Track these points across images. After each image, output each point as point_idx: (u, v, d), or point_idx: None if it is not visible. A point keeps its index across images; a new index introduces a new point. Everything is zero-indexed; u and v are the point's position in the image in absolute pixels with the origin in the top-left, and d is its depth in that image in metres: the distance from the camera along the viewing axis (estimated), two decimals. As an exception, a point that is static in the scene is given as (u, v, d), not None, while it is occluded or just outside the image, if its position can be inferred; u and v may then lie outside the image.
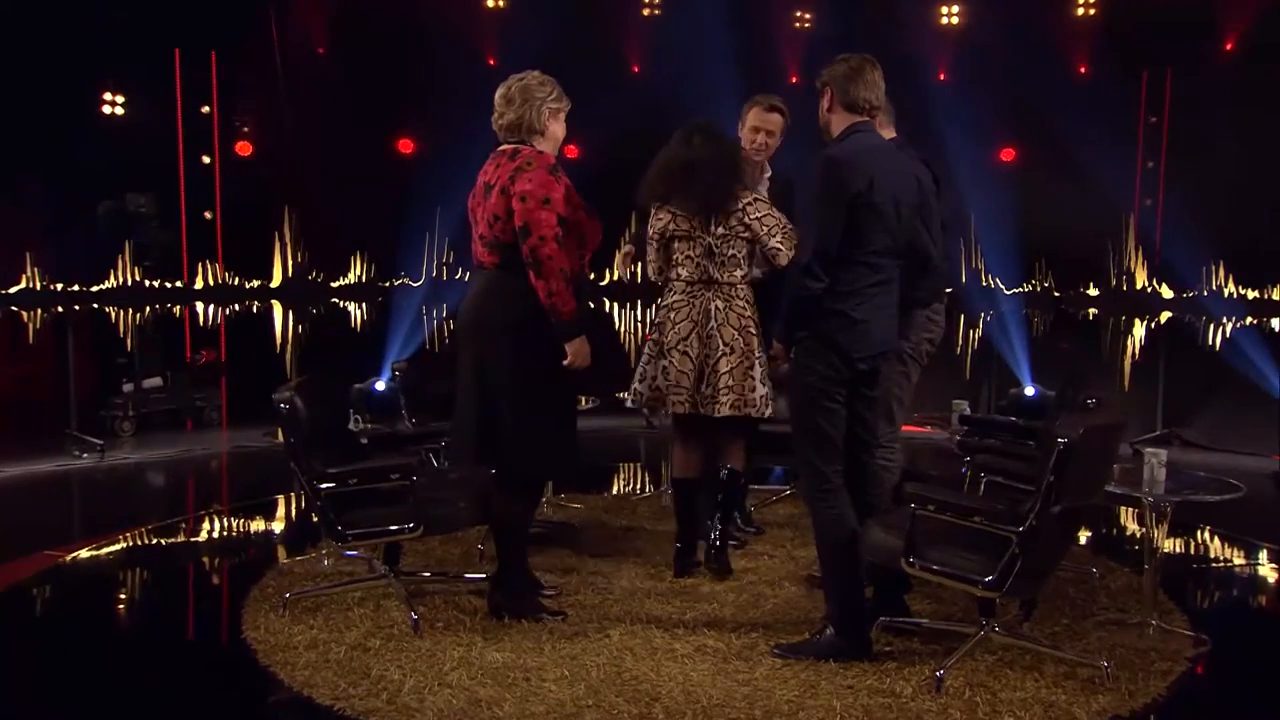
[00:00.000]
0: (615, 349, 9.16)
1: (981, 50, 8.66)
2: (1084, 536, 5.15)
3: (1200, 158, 7.84)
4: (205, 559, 5.23)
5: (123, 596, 4.73)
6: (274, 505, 6.01)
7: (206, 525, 5.73)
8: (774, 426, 4.86)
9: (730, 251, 4.29)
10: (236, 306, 9.25)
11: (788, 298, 3.63)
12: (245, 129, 9.14)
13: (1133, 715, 3.29)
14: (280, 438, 4.19)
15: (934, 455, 6.86)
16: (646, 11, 9.34)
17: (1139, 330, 8.75)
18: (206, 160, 9.00)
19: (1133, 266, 8.70)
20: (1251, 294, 7.99)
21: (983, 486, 4.37)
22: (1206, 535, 5.45)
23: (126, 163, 7.97)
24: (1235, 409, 7.72)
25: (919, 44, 8.87)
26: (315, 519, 4.11)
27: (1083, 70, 8.79)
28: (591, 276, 8.89)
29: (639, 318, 9.64)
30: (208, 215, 9.04)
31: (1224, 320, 8.07)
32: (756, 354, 4.28)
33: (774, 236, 4.25)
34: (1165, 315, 8.54)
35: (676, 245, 4.33)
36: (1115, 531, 5.64)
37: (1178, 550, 5.20)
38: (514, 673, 3.47)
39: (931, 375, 4.51)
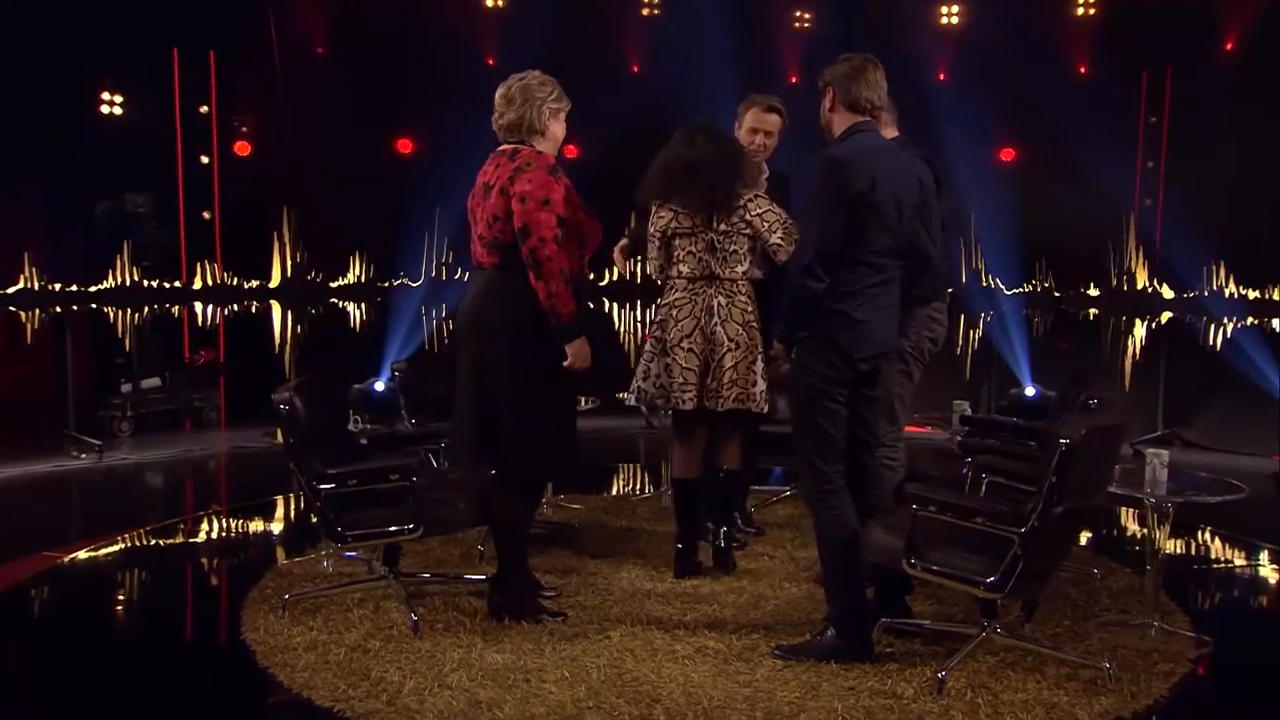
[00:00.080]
0: (615, 349, 9.15)
1: (981, 50, 8.67)
2: (1085, 537, 5.14)
3: (1200, 158, 7.84)
4: (204, 560, 5.21)
5: (121, 598, 4.71)
6: (273, 506, 6.00)
7: (205, 526, 5.72)
8: (774, 427, 4.87)
9: (732, 247, 4.29)
10: (235, 307, 9.25)
11: (788, 298, 3.62)
12: (244, 129, 9.13)
13: (1135, 717, 3.28)
14: (279, 438, 4.18)
15: (934, 456, 6.85)
16: (646, 11, 9.35)
17: (1139, 330, 8.75)
18: (205, 160, 8.99)
19: (1133, 266, 8.71)
20: (1252, 294, 7.99)
21: (984, 487, 4.36)
22: (1207, 536, 5.44)
23: (125, 163, 7.95)
24: (1236, 409, 7.72)
25: (919, 44, 8.87)
26: (314, 520, 4.10)
27: (1083, 70, 8.80)
28: (591, 277, 8.88)
29: (638, 318, 9.63)
30: (206, 215, 9.03)
31: (1224, 320, 8.06)
32: (759, 349, 4.28)
33: (774, 233, 4.25)
34: (1166, 315, 8.54)
35: (678, 242, 4.33)
36: (1116, 532, 5.63)
37: (1179, 551, 5.20)
38: (514, 674, 3.46)
39: (932, 375, 4.51)
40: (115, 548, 5.18)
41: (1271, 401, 7.51)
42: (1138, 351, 8.69)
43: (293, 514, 5.84)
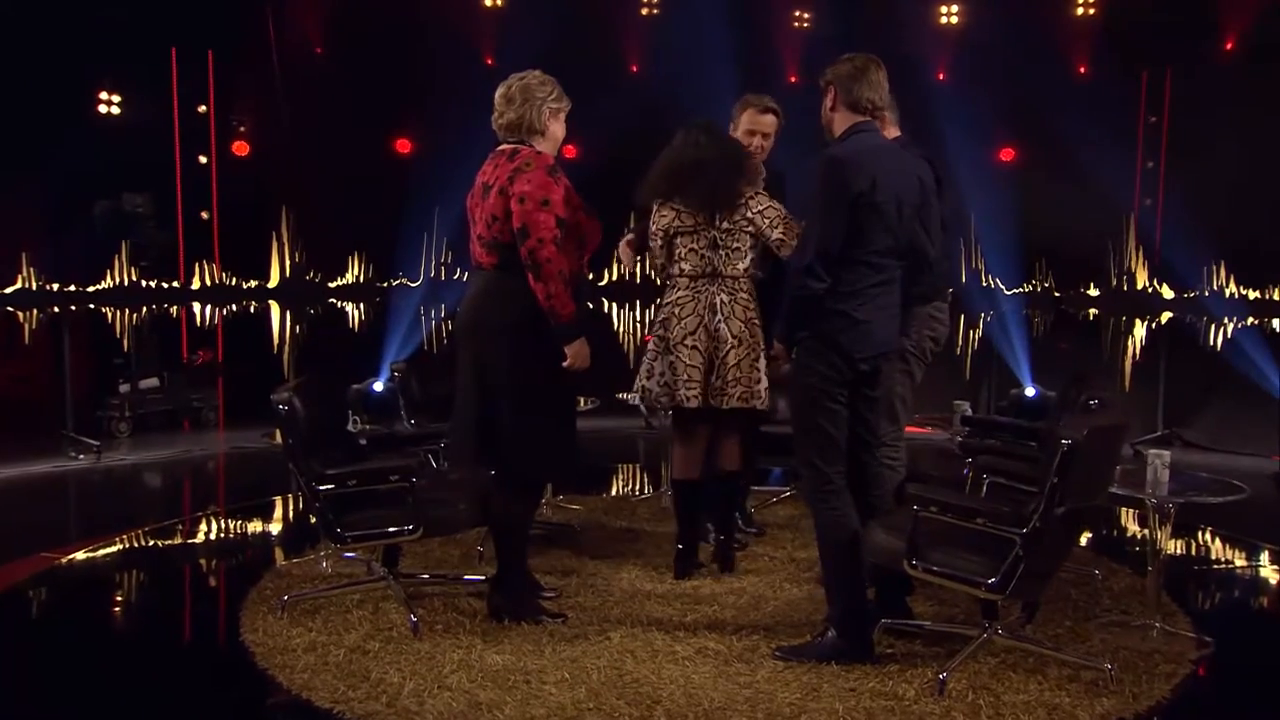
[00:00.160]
0: (614, 349, 9.15)
1: (981, 50, 8.67)
2: (1085, 538, 5.13)
3: (1200, 158, 7.84)
4: (203, 561, 5.20)
5: (120, 599, 4.70)
6: (272, 507, 5.99)
7: (204, 527, 5.70)
8: (775, 427, 4.86)
9: (734, 244, 4.29)
10: (234, 307, 9.24)
11: (788, 298, 3.61)
12: (242, 129, 9.13)
13: (1137, 718, 3.27)
14: (278, 439, 4.17)
15: (935, 456, 6.84)
16: (645, 11, 9.35)
17: (1139, 330, 8.74)
18: (203, 160, 8.99)
19: (1133, 267, 8.71)
20: (1252, 294, 7.99)
21: (985, 488, 4.35)
22: (1207, 536, 5.43)
23: (123, 162, 7.94)
24: (1236, 409, 7.71)
25: (918, 43, 8.88)
26: (314, 520, 4.08)
27: (1082, 70, 8.80)
28: (590, 277, 8.87)
29: (638, 318, 9.63)
30: (204, 215, 9.02)
31: (1225, 320, 8.06)
32: (761, 346, 4.28)
33: (776, 229, 4.25)
34: (1166, 315, 8.53)
35: (680, 240, 4.33)
36: (1116, 533, 5.62)
37: (1179, 552, 5.19)
38: (514, 675, 3.45)
39: (932, 375, 4.50)
40: (114, 549, 5.17)
41: (1271, 401, 7.50)
42: (1138, 351, 8.69)
43: (292, 515, 5.82)
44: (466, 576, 4.42)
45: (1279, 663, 3.95)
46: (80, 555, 5.01)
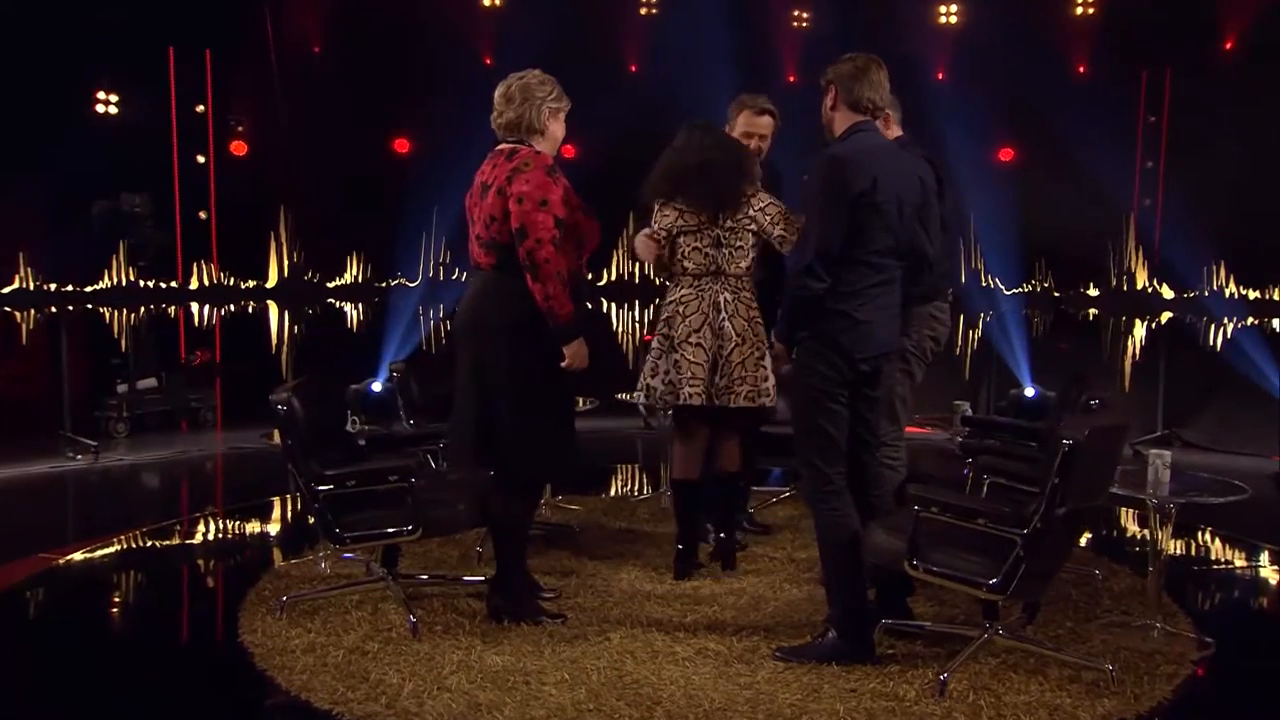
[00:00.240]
0: (613, 349, 9.14)
1: (980, 49, 8.67)
2: (1085, 538, 5.12)
3: (1200, 157, 7.83)
4: (201, 562, 5.18)
5: (117, 599, 4.69)
6: (270, 507, 5.97)
7: (202, 527, 5.69)
8: (775, 428, 4.85)
9: (738, 243, 4.30)
10: (232, 307, 9.22)
11: (788, 298, 3.61)
12: (240, 128, 9.11)
13: (1138, 718, 3.26)
14: (276, 439, 4.16)
15: (935, 456, 6.83)
16: (644, 11, 9.34)
17: (1139, 330, 8.74)
18: (201, 160, 8.97)
19: (1133, 267, 8.70)
20: (1252, 294, 7.98)
21: (985, 488, 4.34)
22: (1207, 536, 5.43)
23: (121, 162, 7.92)
24: (1236, 409, 7.71)
25: (917, 43, 8.87)
26: (312, 521, 4.07)
27: (1082, 70, 8.80)
28: (589, 277, 8.87)
29: (637, 317, 9.62)
30: (203, 215, 9.00)
31: (1225, 320, 8.05)
32: (765, 344, 4.28)
33: (777, 226, 4.27)
34: (1166, 315, 8.53)
35: (683, 239, 4.33)
36: (1115, 533, 5.62)
37: (1179, 552, 5.18)
38: (514, 676, 3.44)
39: (932, 376, 4.50)
40: (111, 549, 5.15)
41: (1271, 401, 7.50)
42: (1137, 351, 8.68)
43: (290, 515, 5.81)
44: (466, 577, 4.41)
45: (1280, 663, 3.95)
46: (78, 556, 4.99)
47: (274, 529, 5.67)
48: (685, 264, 4.32)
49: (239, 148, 9.08)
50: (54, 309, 8.11)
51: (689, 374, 4.24)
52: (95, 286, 8.30)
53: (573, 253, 3.84)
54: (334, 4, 9.13)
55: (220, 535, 5.56)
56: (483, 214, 3.80)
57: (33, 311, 8.15)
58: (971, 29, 8.94)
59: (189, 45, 8.65)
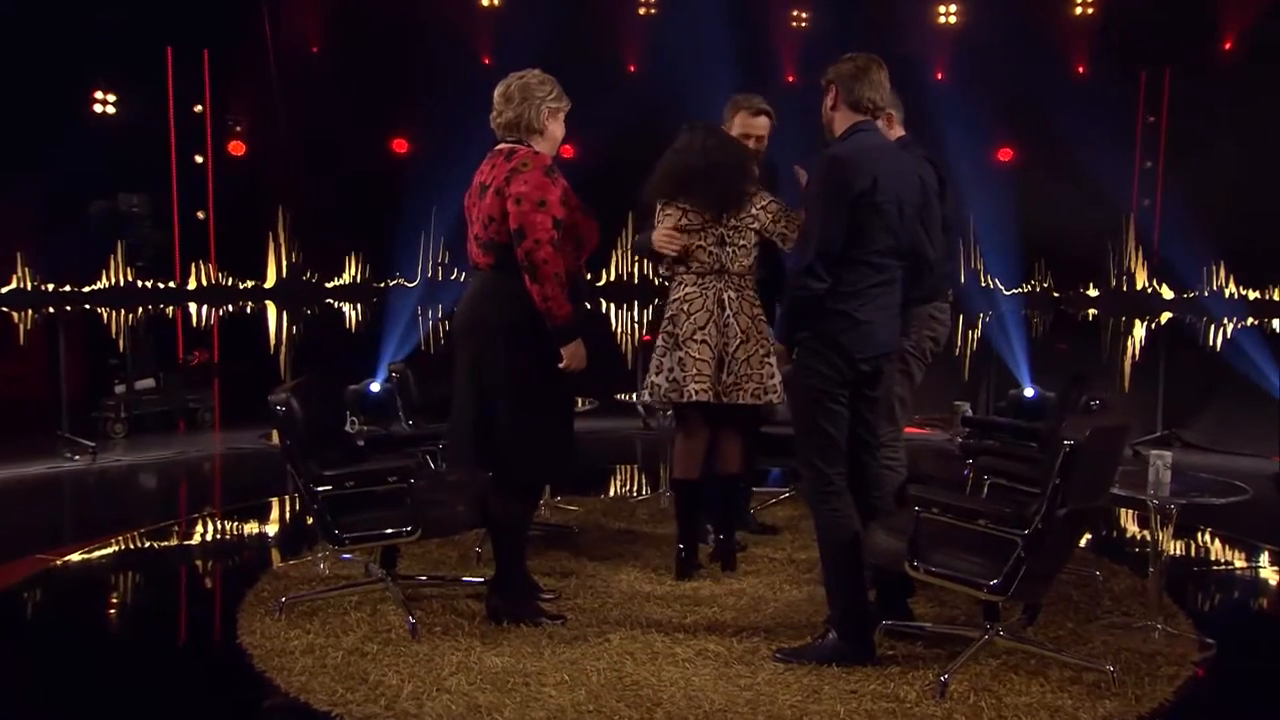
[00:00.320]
0: (612, 350, 9.13)
1: (979, 49, 8.66)
2: (1085, 539, 5.11)
3: (1199, 157, 7.83)
4: (199, 563, 5.17)
5: (115, 601, 4.67)
6: (268, 508, 5.96)
7: (200, 528, 5.67)
8: (775, 428, 4.84)
9: (741, 241, 4.31)
10: (230, 307, 9.20)
11: (788, 298, 3.60)
12: (238, 128, 9.09)
13: (1139, 720, 3.26)
14: (275, 439, 4.15)
15: (935, 457, 6.83)
16: (643, 10, 9.33)
17: (1139, 331, 8.73)
18: (199, 159, 8.95)
19: (1132, 267, 8.70)
20: (1252, 294, 7.98)
21: (986, 489, 4.33)
22: (1206, 537, 5.42)
23: (118, 162, 7.91)
24: (1236, 410, 7.70)
25: (916, 43, 8.87)
26: (311, 522, 4.06)
27: (1081, 70, 8.79)
28: (588, 277, 8.86)
29: (635, 318, 9.61)
30: (200, 215, 8.98)
31: (1224, 321, 8.05)
32: (769, 342, 4.29)
33: (779, 223, 4.30)
34: (1165, 316, 8.52)
35: (687, 238, 4.32)
36: (1115, 533, 5.61)
37: (1179, 553, 5.17)
38: (513, 678, 3.43)
39: (931, 376, 4.50)
40: (109, 550, 5.14)
41: (1271, 402, 7.49)
42: (1137, 352, 8.68)
43: (289, 516, 5.80)
44: (465, 578, 4.40)
45: (1281, 664, 3.94)
46: (75, 557, 4.98)
47: (272, 530, 5.66)
48: (689, 262, 4.33)
49: (237, 148, 9.06)
50: (51, 309, 8.09)
51: (694, 371, 4.24)
52: (93, 287, 8.28)
53: (571, 253, 3.83)
54: (332, 4, 9.12)
55: (219, 536, 5.54)
56: (481, 214, 3.79)
57: (30, 312, 8.13)
58: (971, 29, 8.94)
59: (187, 45, 8.63)
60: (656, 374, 4.35)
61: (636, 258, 9.31)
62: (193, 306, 8.96)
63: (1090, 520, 4.47)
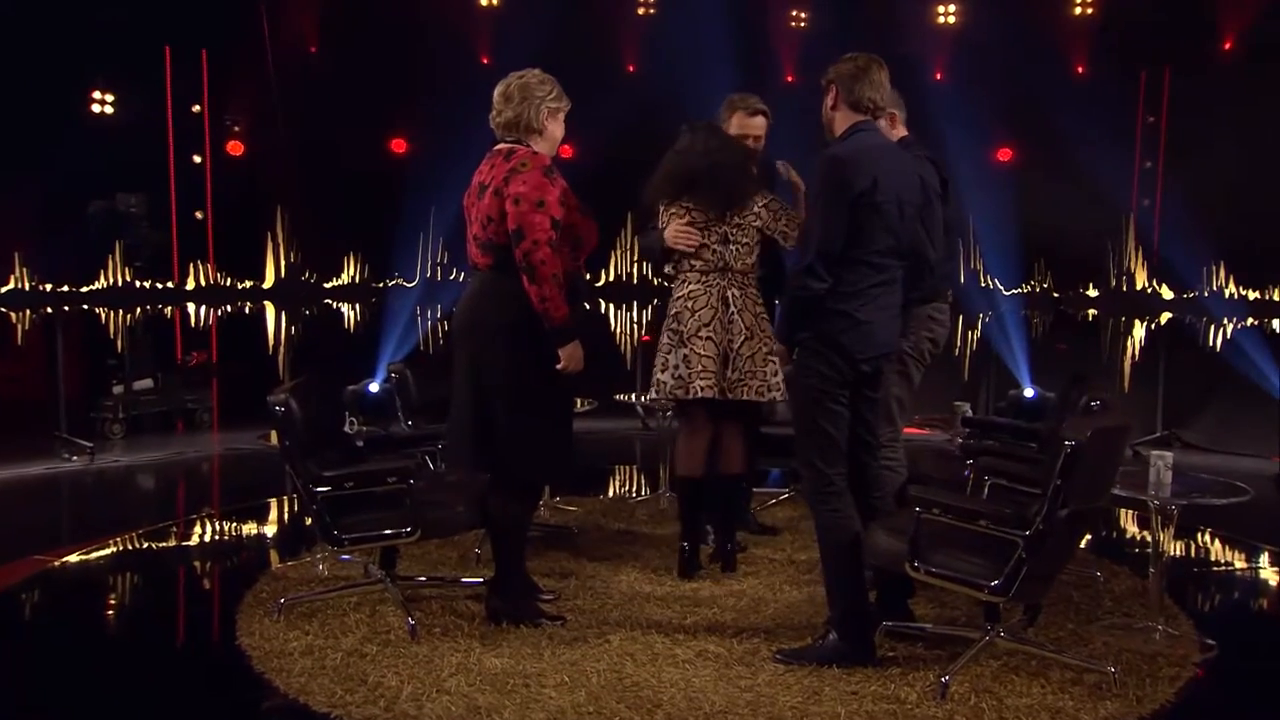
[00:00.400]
0: (612, 350, 9.12)
1: (979, 49, 8.66)
2: (1086, 539, 5.10)
3: (1199, 157, 7.83)
4: (197, 564, 5.16)
5: (113, 602, 4.66)
6: (267, 509, 5.95)
7: (198, 529, 5.66)
8: (775, 429, 4.84)
9: (744, 239, 4.33)
10: (228, 307, 9.19)
11: (789, 298, 3.60)
12: (236, 128, 9.09)
13: (1140, 721, 3.25)
14: (274, 440, 4.14)
15: (935, 457, 6.82)
16: (642, 10, 9.33)
17: (1139, 331, 8.73)
18: (198, 160, 8.95)
19: (1132, 267, 8.70)
20: (1252, 294, 7.98)
21: (986, 489, 4.33)
22: (1207, 538, 5.42)
23: (117, 162, 7.90)
24: (1236, 410, 7.70)
25: (916, 43, 8.87)
26: (310, 522, 4.05)
27: (1080, 70, 8.79)
28: (587, 277, 8.85)
29: (635, 318, 9.60)
30: (199, 215, 8.98)
31: (1224, 321, 8.05)
32: (772, 339, 4.30)
33: (780, 220, 4.33)
34: (1165, 316, 8.52)
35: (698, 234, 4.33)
36: (1116, 534, 5.60)
37: (1179, 553, 5.17)
38: (513, 679, 3.42)
39: (931, 377, 4.49)
40: (107, 551, 5.13)
41: (1271, 402, 7.49)
42: (1137, 352, 8.67)
43: (288, 517, 5.79)
44: (464, 579, 4.39)
45: (1282, 665, 3.94)
46: (73, 558, 4.97)
47: (271, 530, 5.64)
48: (693, 261, 4.34)
49: (235, 148, 9.06)
50: (49, 309, 8.08)
51: (699, 367, 4.25)
52: (91, 287, 8.27)
53: (570, 254, 3.82)
54: (331, 4, 9.11)
55: (217, 537, 5.53)
56: (480, 214, 3.78)
57: (28, 312, 8.12)
58: (970, 29, 8.94)
59: (185, 45, 8.63)
60: (662, 371, 4.35)
61: (637, 258, 9.31)
62: (191, 307, 8.96)
63: (1091, 521, 4.47)
